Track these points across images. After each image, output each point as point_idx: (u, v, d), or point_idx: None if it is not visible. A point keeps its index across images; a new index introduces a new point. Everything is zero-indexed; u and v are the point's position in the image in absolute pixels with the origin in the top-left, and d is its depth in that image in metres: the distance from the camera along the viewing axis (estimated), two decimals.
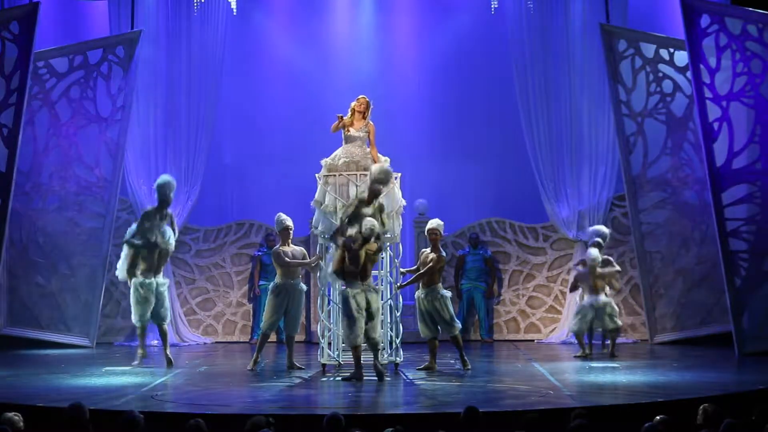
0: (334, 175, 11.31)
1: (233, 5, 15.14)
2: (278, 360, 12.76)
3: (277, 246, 11.91)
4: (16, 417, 6.72)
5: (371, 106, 11.53)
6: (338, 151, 11.49)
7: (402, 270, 11.67)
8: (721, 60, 13.17)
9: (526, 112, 15.07)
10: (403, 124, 15.90)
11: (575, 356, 12.74)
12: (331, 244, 11.00)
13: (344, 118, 11.44)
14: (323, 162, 11.48)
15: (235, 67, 16.02)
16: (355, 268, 10.53)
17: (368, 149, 11.43)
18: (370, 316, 10.58)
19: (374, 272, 11.42)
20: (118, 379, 10.86)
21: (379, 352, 10.67)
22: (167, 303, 11.99)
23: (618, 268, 13.09)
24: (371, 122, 11.48)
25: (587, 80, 15.02)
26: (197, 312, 15.41)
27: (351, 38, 16.35)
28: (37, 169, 14.42)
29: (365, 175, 11.21)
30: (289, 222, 11.89)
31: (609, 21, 14.75)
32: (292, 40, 16.38)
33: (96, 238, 14.44)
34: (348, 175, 11.25)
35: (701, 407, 7.05)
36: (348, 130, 11.46)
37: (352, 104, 11.51)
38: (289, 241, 11.86)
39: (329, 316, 11.46)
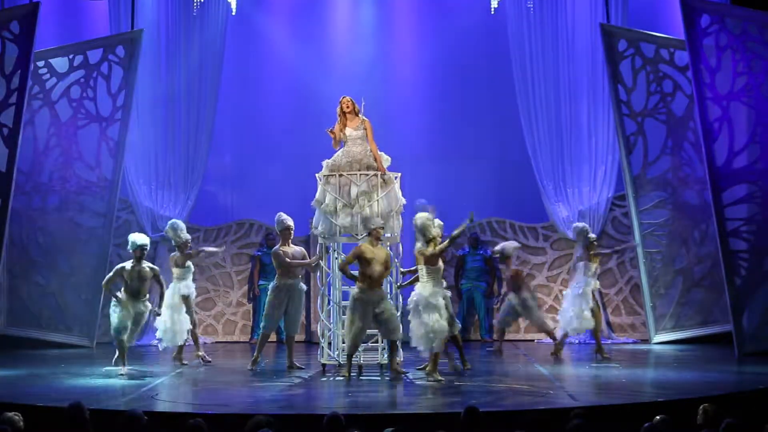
0: (335, 175, 11.31)
1: (233, 5, 15.14)
2: (278, 360, 12.76)
3: (277, 246, 11.92)
4: (16, 417, 6.72)
5: (363, 102, 11.51)
6: (339, 152, 11.49)
7: (402, 270, 11.67)
8: (721, 60, 13.17)
9: (526, 112, 15.07)
10: (404, 124, 15.88)
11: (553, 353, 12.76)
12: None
13: (333, 129, 11.44)
14: (324, 163, 11.48)
15: (235, 67, 16.00)
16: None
17: (369, 147, 11.42)
18: (382, 322, 10.78)
19: None
20: (118, 379, 10.87)
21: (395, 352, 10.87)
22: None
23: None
24: (366, 119, 11.46)
25: (587, 80, 15.02)
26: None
27: (351, 38, 16.34)
28: (37, 169, 14.41)
29: (366, 174, 11.21)
30: (290, 222, 11.89)
31: (609, 21, 14.75)
32: (292, 40, 16.37)
33: (96, 238, 14.43)
34: (349, 174, 11.25)
35: (701, 407, 7.05)
36: (344, 132, 11.44)
37: (338, 109, 11.50)
38: (290, 241, 11.87)
39: (329, 316, 11.46)
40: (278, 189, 15.82)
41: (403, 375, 10.72)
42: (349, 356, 10.81)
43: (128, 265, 11.34)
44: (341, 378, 10.67)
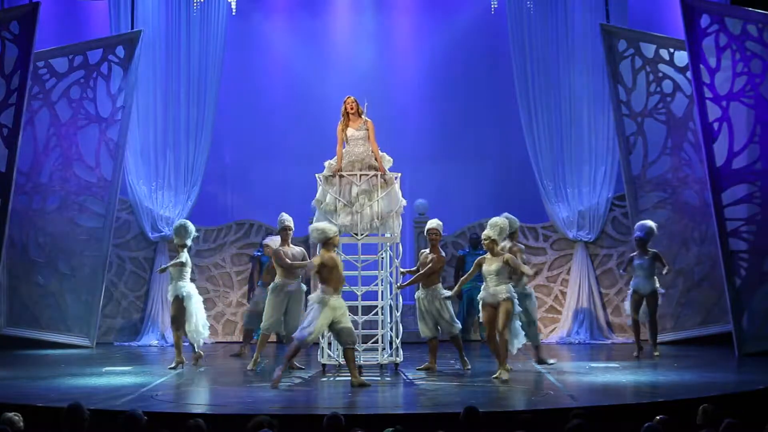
0: (335, 175, 11.31)
1: (233, 5, 15.14)
2: (278, 360, 12.75)
3: (277, 246, 11.93)
4: (16, 417, 6.71)
5: (366, 103, 11.51)
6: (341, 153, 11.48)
7: (402, 270, 11.67)
8: (721, 60, 13.17)
9: (526, 112, 15.07)
10: (403, 124, 15.89)
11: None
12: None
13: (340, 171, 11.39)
14: (327, 164, 11.47)
15: (235, 67, 16.01)
16: None
17: (370, 147, 11.41)
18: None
19: (374, 272, 11.45)
20: (118, 379, 10.87)
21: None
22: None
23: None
24: (369, 120, 11.46)
25: (587, 80, 15.02)
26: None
27: (351, 38, 16.35)
28: (37, 169, 14.42)
29: (366, 175, 11.20)
30: (289, 222, 11.90)
31: (609, 21, 14.75)
32: (292, 40, 16.38)
33: (96, 238, 14.44)
34: (349, 175, 11.25)
35: (701, 407, 7.04)
36: (346, 133, 11.44)
37: (342, 109, 11.49)
38: (289, 241, 11.88)
39: None
40: (278, 189, 15.82)
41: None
42: None
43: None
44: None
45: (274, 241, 12.28)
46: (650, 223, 12.91)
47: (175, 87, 15.14)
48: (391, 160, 11.56)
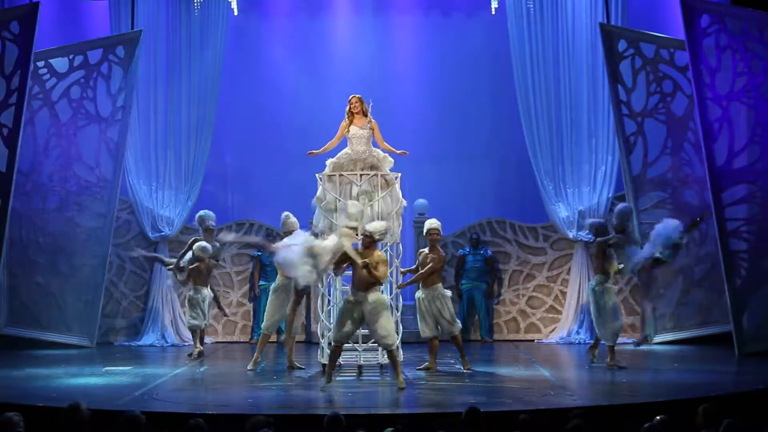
0: (335, 175, 11.31)
1: (233, 5, 15.14)
2: (278, 360, 12.76)
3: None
4: (16, 417, 6.71)
5: (371, 103, 11.52)
6: (342, 151, 11.49)
7: (402, 270, 11.67)
8: (721, 60, 13.18)
9: (526, 112, 15.07)
10: (403, 124, 15.86)
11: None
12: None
13: (314, 152, 11.56)
14: (328, 162, 11.48)
15: (235, 67, 16.01)
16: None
17: (373, 147, 11.42)
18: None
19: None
20: (118, 379, 10.87)
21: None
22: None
23: None
24: (373, 120, 11.47)
25: (587, 80, 15.02)
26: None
27: (351, 38, 16.34)
28: (37, 169, 14.41)
29: (367, 175, 11.21)
30: (291, 219, 11.91)
31: (609, 21, 14.76)
32: (293, 40, 16.37)
33: (96, 238, 14.44)
34: (350, 174, 11.26)
35: (701, 407, 7.04)
36: (348, 131, 11.45)
37: (347, 109, 11.51)
38: None
39: (329, 317, 11.45)
40: (278, 189, 15.82)
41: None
42: None
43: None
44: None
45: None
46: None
47: (176, 87, 15.13)
48: (392, 161, 11.57)
